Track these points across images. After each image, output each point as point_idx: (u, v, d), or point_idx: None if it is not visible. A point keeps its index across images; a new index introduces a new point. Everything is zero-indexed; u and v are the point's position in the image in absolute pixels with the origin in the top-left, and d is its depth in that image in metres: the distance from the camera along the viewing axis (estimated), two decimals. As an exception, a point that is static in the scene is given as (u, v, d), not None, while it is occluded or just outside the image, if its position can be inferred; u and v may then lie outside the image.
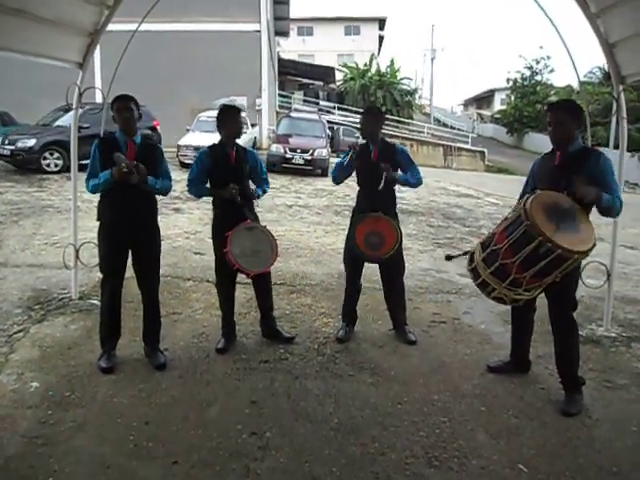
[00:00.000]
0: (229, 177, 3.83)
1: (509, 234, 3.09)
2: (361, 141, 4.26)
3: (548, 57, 37.55)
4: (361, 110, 27.64)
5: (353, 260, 4.26)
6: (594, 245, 3.00)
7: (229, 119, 3.90)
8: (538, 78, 38.48)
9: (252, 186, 4.10)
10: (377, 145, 4.15)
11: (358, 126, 21.97)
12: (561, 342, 3.41)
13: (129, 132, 3.57)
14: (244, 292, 4.76)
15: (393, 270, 4.28)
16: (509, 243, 3.07)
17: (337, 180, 4.32)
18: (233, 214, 3.84)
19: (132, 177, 3.40)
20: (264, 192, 4.12)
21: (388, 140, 4.35)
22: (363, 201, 4.20)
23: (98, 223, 3.69)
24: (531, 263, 2.99)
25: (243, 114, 3.98)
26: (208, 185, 3.95)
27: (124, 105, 3.54)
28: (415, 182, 4.19)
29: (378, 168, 4.00)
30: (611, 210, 3.20)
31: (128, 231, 3.59)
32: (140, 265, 3.73)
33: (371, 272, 4.49)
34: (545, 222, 2.96)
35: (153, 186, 3.59)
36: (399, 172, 4.15)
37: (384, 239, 4.06)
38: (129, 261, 3.73)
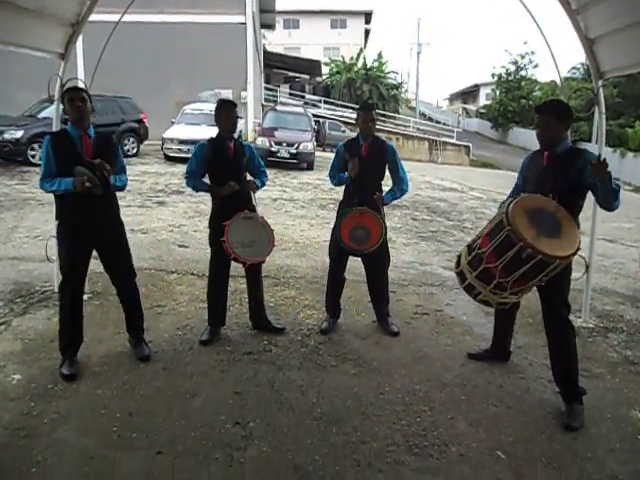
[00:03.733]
0: (228, 169, 3.87)
1: (492, 238, 3.10)
2: (351, 135, 4.29)
3: (532, 52, 37.83)
4: (347, 104, 27.41)
5: (338, 253, 4.29)
6: (578, 249, 2.97)
7: (227, 113, 3.91)
8: (523, 73, 38.75)
9: (249, 178, 4.14)
10: (368, 140, 4.18)
11: (345, 120, 21.76)
12: (555, 346, 3.29)
13: (82, 125, 3.37)
14: (229, 284, 4.77)
15: (377, 263, 4.32)
16: (492, 247, 3.07)
17: (336, 185, 4.39)
18: (231, 205, 3.86)
19: (96, 189, 3.26)
20: (263, 184, 4.15)
21: (378, 136, 4.37)
22: (350, 194, 4.23)
23: (56, 222, 3.51)
24: (514, 268, 2.98)
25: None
26: (206, 179, 3.98)
27: (77, 95, 3.35)
28: (402, 195, 4.31)
29: (366, 164, 4.06)
30: (616, 195, 2.99)
31: (90, 232, 3.43)
32: (110, 263, 3.64)
33: (355, 265, 4.52)
34: (526, 227, 2.96)
35: (112, 183, 3.44)
36: (385, 191, 4.23)
37: (369, 233, 4.09)
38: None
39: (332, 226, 4.34)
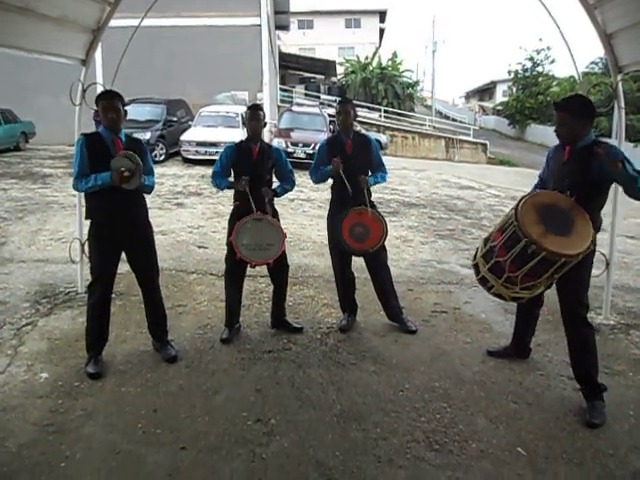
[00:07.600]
0: (249, 171, 3.93)
1: (503, 232, 3.14)
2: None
3: (548, 48, 37.28)
4: (362, 104, 27.12)
5: (339, 253, 4.30)
6: (588, 248, 2.96)
7: (252, 117, 4.01)
8: (539, 69, 38.24)
9: (275, 184, 4.20)
10: (350, 137, 4.19)
11: (361, 120, 21.35)
12: (573, 344, 3.28)
13: (115, 129, 3.49)
14: (248, 284, 4.83)
15: (377, 260, 4.32)
16: (503, 241, 3.12)
17: (317, 182, 4.35)
18: (249, 207, 3.91)
19: (133, 181, 3.34)
20: (285, 190, 4.21)
21: (358, 131, 4.40)
22: (338, 193, 4.21)
23: (88, 222, 3.58)
24: (521, 263, 3.02)
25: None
26: (231, 179, 4.07)
27: (110, 104, 3.42)
28: (383, 180, 4.34)
29: (352, 160, 4.07)
30: (636, 181, 2.92)
31: (122, 232, 3.52)
32: (138, 264, 3.71)
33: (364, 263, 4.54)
34: (534, 223, 2.99)
35: (144, 183, 3.52)
36: (369, 174, 4.24)
37: (369, 231, 4.12)
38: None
39: (328, 226, 4.35)
